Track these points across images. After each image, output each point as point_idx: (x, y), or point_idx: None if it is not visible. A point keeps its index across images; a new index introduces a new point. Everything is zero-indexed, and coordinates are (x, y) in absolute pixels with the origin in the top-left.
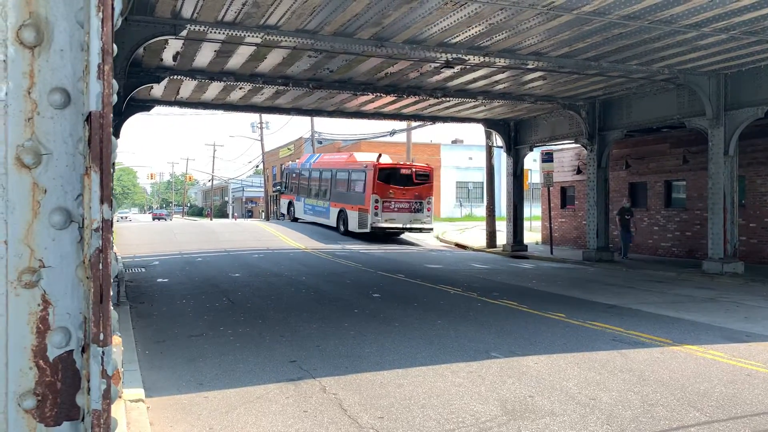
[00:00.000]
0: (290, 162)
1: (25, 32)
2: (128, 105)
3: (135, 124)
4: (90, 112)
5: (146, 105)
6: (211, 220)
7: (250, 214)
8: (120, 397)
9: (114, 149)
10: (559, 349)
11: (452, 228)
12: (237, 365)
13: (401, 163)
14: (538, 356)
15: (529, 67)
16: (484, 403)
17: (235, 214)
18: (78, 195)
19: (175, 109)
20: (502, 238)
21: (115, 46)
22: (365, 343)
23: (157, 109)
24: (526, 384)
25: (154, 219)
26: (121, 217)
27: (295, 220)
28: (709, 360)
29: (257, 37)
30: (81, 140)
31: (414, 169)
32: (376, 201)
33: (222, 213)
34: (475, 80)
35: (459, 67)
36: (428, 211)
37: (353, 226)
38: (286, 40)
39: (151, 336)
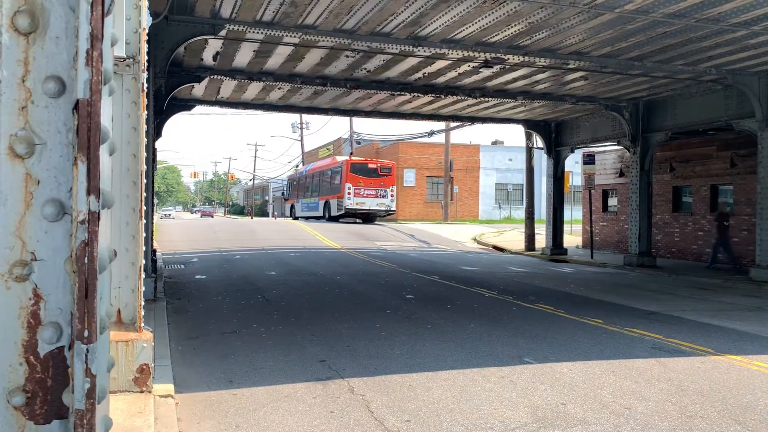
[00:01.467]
0: (292, 173)
1: (19, 19)
2: (170, 104)
3: (179, 124)
4: (77, 100)
5: (187, 104)
6: (251, 218)
7: None
8: (150, 392)
9: (106, 139)
10: (595, 356)
11: (490, 230)
12: (267, 363)
13: (369, 159)
14: (572, 363)
15: (571, 67)
16: (514, 410)
17: (275, 213)
18: (72, 186)
19: (216, 109)
20: (541, 241)
21: (107, 31)
22: (396, 344)
23: (199, 109)
24: (559, 391)
25: (202, 216)
26: (165, 215)
27: (296, 218)
28: (754, 371)
29: (295, 36)
30: (71, 129)
31: (379, 164)
32: (349, 188)
33: (262, 212)
34: (514, 80)
35: (498, 66)
36: (391, 197)
37: (334, 211)
38: (323, 40)
39: (185, 332)
